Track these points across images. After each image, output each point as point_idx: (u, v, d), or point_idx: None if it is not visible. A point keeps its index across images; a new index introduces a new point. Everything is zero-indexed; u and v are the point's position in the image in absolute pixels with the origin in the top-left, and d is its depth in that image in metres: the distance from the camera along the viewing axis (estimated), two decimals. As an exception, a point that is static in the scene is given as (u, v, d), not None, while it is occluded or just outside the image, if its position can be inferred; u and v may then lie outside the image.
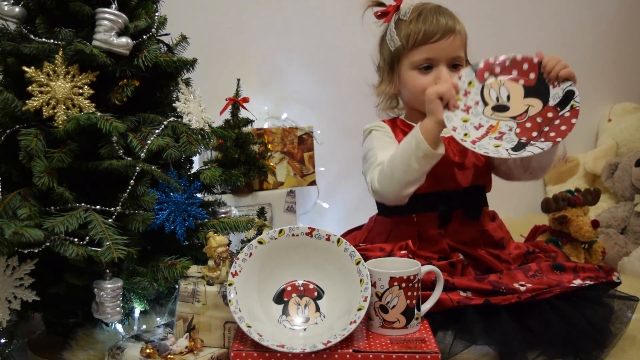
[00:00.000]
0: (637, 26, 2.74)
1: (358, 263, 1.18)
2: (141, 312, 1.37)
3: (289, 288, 1.21)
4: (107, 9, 1.22)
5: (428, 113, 1.35)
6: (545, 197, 2.00)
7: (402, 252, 1.38)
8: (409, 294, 1.17)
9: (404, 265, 1.21)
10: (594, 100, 2.73)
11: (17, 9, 1.23)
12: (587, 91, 2.69)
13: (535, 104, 1.31)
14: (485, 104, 1.34)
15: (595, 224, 1.92)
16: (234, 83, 1.96)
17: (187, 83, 1.45)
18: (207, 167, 1.47)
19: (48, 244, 1.09)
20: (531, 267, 1.37)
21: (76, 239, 1.12)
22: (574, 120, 1.24)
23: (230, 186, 1.96)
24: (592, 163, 2.53)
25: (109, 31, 1.22)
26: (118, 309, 1.19)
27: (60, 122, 1.16)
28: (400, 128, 1.54)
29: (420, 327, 1.19)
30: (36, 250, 1.09)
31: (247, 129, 1.98)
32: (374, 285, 1.17)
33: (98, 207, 1.18)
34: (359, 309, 1.12)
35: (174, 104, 1.35)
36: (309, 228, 1.21)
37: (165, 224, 1.25)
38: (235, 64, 2.30)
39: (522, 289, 1.27)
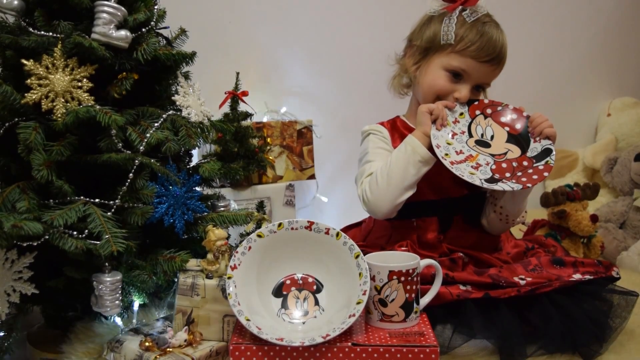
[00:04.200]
0: (636, 21, 2.74)
1: (357, 257, 1.18)
2: (140, 306, 1.37)
3: (288, 281, 1.22)
4: (106, 2, 1.22)
5: (418, 124, 1.41)
6: (545, 191, 2.01)
7: (403, 248, 1.38)
8: (408, 287, 1.17)
9: (403, 259, 1.21)
10: (593, 95, 2.73)
11: (15, 2, 1.23)
12: (586, 86, 2.72)
13: (515, 150, 1.40)
14: (470, 135, 1.41)
15: (594, 218, 1.92)
16: (233, 76, 1.95)
17: (186, 76, 1.45)
18: (206, 160, 1.47)
19: (47, 237, 1.09)
20: (531, 261, 1.37)
21: (75, 232, 1.12)
22: (545, 174, 1.33)
23: (229, 180, 1.96)
24: (591, 157, 2.53)
25: (108, 24, 1.21)
26: (117, 302, 1.19)
27: (59, 115, 1.16)
28: (399, 131, 1.53)
29: (419, 321, 1.20)
30: (35, 244, 1.09)
31: (246, 122, 1.97)
32: (373, 278, 1.17)
33: (97, 200, 1.18)
34: (358, 303, 1.12)
35: (173, 98, 1.35)
36: (308, 222, 1.21)
37: (165, 218, 1.25)
38: (235, 57, 2.30)
39: (522, 282, 1.27)
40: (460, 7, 1.45)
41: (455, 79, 1.45)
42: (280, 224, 1.21)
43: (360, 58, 2.41)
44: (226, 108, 1.94)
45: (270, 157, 2.08)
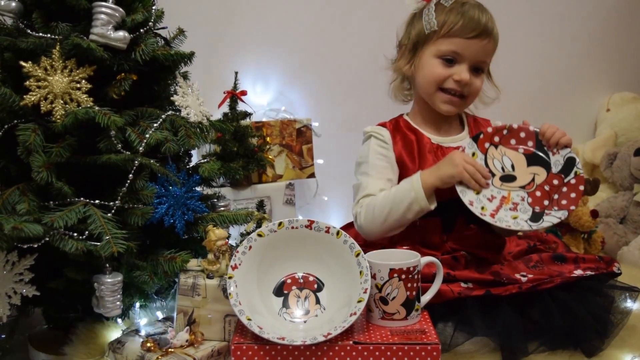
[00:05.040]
0: (635, 15, 2.73)
1: (358, 255, 1.18)
2: (141, 306, 1.37)
3: (289, 280, 1.22)
4: (104, 3, 1.22)
5: (442, 170, 1.37)
6: (545, 187, 2.00)
7: (405, 247, 1.38)
8: (409, 285, 1.17)
9: (404, 257, 1.21)
10: (592, 90, 2.72)
11: (13, 4, 1.23)
12: (585, 81, 2.72)
13: (540, 172, 1.37)
14: (493, 174, 1.38)
15: (594, 213, 1.92)
16: (232, 76, 1.95)
17: (185, 76, 1.45)
18: (205, 160, 1.47)
19: (47, 238, 1.09)
20: (532, 257, 1.37)
21: (75, 234, 1.12)
22: (581, 187, 1.31)
23: (229, 179, 1.96)
24: (590, 153, 2.53)
25: (106, 25, 1.21)
26: (118, 303, 1.19)
27: (58, 116, 1.16)
28: (401, 132, 1.52)
29: (420, 319, 1.20)
30: (35, 245, 1.09)
31: (245, 122, 1.97)
32: (373, 277, 1.17)
33: (97, 201, 1.18)
34: (359, 301, 1.12)
35: (172, 98, 1.35)
36: (308, 220, 1.21)
37: (165, 218, 1.25)
38: (233, 57, 2.29)
39: (524, 279, 1.27)
40: None
41: (450, 63, 1.44)
42: (280, 223, 1.21)
43: (359, 56, 2.40)
44: (225, 107, 1.94)
45: (270, 156, 2.08)
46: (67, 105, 1.17)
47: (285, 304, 1.19)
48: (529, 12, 2.58)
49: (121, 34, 1.22)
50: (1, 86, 1.16)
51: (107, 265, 1.17)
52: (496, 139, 1.41)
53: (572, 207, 1.29)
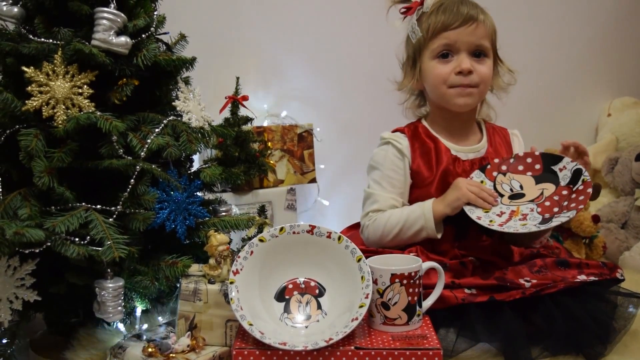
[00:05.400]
0: (636, 20, 2.74)
1: (359, 260, 1.18)
2: (143, 311, 1.37)
3: (291, 286, 1.21)
4: (105, 8, 1.22)
5: (448, 196, 1.39)
6: (546, 192, 2.00)
7: (412, 254, 1.37)
8: (411, 290, 1.17)
9: (405, 262, 1.21)
10: (593, 94, 2.73)
11: (15, 9, 1.23)
12: (586, 86, 2.72)
13: (549, 187, 1.37)
14: (501, 195, 1.38)
15: (595, 218, 1.92)
16: (234, 81, 1.96)
17: (187, 82, 1.45)
18: (207, 165, 1.47)
19: (49, 243, 1.09)
20: (536, 262, 1.37)
21: (77, 239, 1.12)
22: (589, 190, 1.31)
23: (230, 184, 1.96)
24: (592, 158, 2.52)
25: (108, 30, 1.22)
26: (119, 308, 1.19)
27: (60, 121, 1.16)
28: (420, 139, 1.51)
29: (422, 324, 1.19)
30: (37, 250, 1.09)
31: (246, 127, 1.98)
32: (375, 282, 1.17)
33: (99, 206, 1.18)
34: (361, 306, 1.12)
35: (173, 103, 1.35)
36: (309, 225, 1.21)
37: (166, 223, 1.26)
38: (235, 62, 2.30)
39: (527, 284, 1.27)
40: (416, 8, 1.50)
41: (447, 58, 1.45)
42: (282, 228, 1.21)
43: (360, 62, 2.41)
44: (227, 113, 1.94)
45: (271, 161, 2.08)
46: (68, 111, 1.17)
47: (286, 309, 1.19)
48: (529, 17, 2.58)
49: (123, 39, 1.23)
50: (3, 91, 1.16)
51: (109, 270, 1.17)
52: (503, 167, 1.43)
53: (581, 206, 1.29)
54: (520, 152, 1.50)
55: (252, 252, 1.19)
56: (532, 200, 1.36)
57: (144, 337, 1.23)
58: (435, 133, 1.52)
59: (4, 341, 1.28)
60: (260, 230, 1.48)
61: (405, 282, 1.16)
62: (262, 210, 1.62)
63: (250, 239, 1.32)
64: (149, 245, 1.29)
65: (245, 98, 1.97)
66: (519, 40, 2.48)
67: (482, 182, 1.42)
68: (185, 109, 1.34)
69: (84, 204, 1.17)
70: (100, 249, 1.11)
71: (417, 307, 1.18)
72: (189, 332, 1.19)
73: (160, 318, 1.37)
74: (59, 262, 1.15)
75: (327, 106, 2.41)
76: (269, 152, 2.08)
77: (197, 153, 1.36)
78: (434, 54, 1.46)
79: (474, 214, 1.34)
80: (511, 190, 1.38)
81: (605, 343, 1.20)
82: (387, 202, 1.47)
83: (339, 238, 1.20)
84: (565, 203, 1.32)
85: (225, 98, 1.95)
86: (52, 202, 1.16)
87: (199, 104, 1.40)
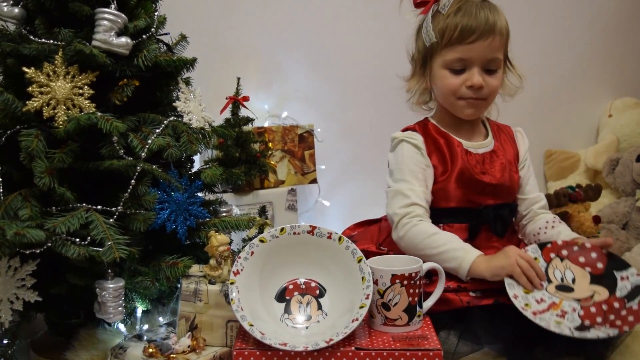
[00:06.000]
0: (636, 21, 2.73)
1: (359, 261, 1.18)
2: (143, 312, 1.37)
3: (291, 286, 1.21)
4: (106, 9, 1.22)
5: (493, 261, 1.29)
6: (547, 193, 2.01)
7: None
8: (411, 291, 1.17)
9: (406, 263, 1.21)
10: (594, 95, 2.72)
11: (16, 10, 1.24)
12: (587, 86, 2.72)
13: (602, 292, 1.25)
14: (549, 281, 1.28)
15: (596, 219, 1.92)
16: (234, 82, 1.96)
17: (187, 82, 1.45)
18: (207, 166, 1.47)
19: (49, 244, 1.09)
20: None
21: (78, 239, 1.12)
22: None
23: (231, 185, 1.96)
24: (592, 159, 2.53)
25: (109, 31, 1.22)
26: (120, 308, 1.19)
27: (60, 122, 1.16)
28: (431, 137, 1.48)
29: (422, 325, 1.19)
30: (38, 251, 1.09)
31: (247, 127, 1.98)
32: (375, 282, 1.17)
33: (99, 207, 1.18)
34: (361, 307, 1.12)
35: (174, 104, 1.35)
36: (310, 226, 1.21)
37: (167, 224, 1.26)
38: (235, 62, 2.30)
39: None
40: (432, 4, 1.44)
41: (459, 71, 1.41)
42: (282, 229, 1.21)
43: (361, 62, 2.41)
44: (227, 113, 1.94)
45: (272, 162, 2.08)
46: (69, 111, 1.17)
47: (287, 310, 1.19)
48: (531, 17, 2.58)
49: (123, 40, 1.23)
50: (4, 92, 1.16)
51: (109, 270, 1.17)
52: (564, 252, 1.33)
53: (626, 328, 1.15)
54: (530, 166, 1.49)
55: (252, 252, 1.19)
56: (578, 300, 1.24)
57: (145, 338, 1.23)
58: (444, 129, 1.50)
59: (5, 342, 1.28)
60: (260, 231, 1.48)
61: (405, 282, 1.16)
62: (262, 211, 1.62)
63: (250, 239, 1.32)
64: (149, 245, 1.29)
65: (246, 99, 1.97)
66: (521, 41, 2.47)
67: (535, 258, 1.32)
68: (185, 110, 1.34)
69: (84, 204, 1.17)
70: (100, 249, 1.11)
71: (418, 308, 1.18)
72: (189, 333, 1.19)
73: (160, 319, 1.37)
74: (59, 262, 1.15)
75: (328, 107, 2.41)
76: (270, 152, 2.08)
77: (198, 154, 1.36)
78: (445, 64, 1.42)
79: (512, 290, 1.23)
80: (562, 280, 1.28)
81: (608, 344, 1.20)
82: (418, 195, 1.41)
83: (340, 239, 1.20)
84: (612, 317, 1.19)
85: (226, 99, 1.95)
86: (53, 203, 1.16)
87: (200, 105, 1.40)
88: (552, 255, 1.33)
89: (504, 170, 1.46)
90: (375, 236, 1.59)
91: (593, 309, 1.21)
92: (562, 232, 1.44)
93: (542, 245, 1.34)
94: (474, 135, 1.52)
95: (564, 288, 1.26)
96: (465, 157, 1.44)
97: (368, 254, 1.48)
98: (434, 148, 1.46)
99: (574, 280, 1.27)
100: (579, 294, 1.25)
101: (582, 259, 1.31)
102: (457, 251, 1.32)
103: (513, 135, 1.57)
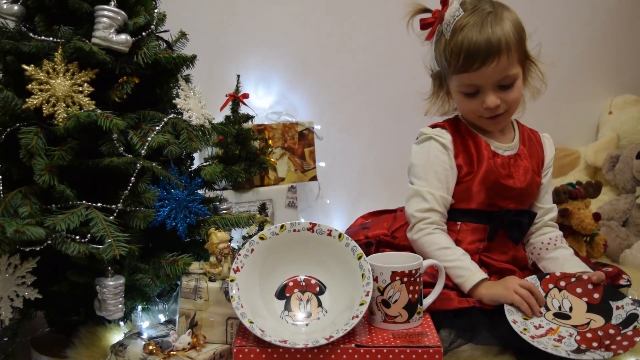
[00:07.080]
0: (637, 18, 2.73)
1: (359, 258, 1.18)
2: (143, 309, 1.37)
3: (291, 283, 1.22)
4: (106, 6, 1.22)
5: (493, 289, 1.31)
6: (547, 190, 2.00)
7: None
8: (411, 288, 1.17)
9: (406, 260, 1.21)
10: (594, 92, 2.72)
11: (16, 7, 1.23)
12: (587, 83, 2.72)
13: (598, 320, 1.28)
14: (547, 309, 1.31)
15: (596, 216, 1.92)
16: (234, 79, 1.96)
17: (187, 80, 1.45)
18: (207, 163, 1.47)
19: (49, 242, 1.09)
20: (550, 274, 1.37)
21: (78, 237, 1.12)
22: (637, 339, 1.20)
23: (231, 182, 1.96)
24: (593, 155, 2.53)
25: (108, 28, 1.22)
26: (120, 306, 1.19)
27: (60, 120, 1.16)
28: (461, 134, 1.47)
29: (422, 322, 1.20)
30: (38, 249, 1.09)
31: (247, 125, 1.98)
32: (375, 279, 1.17)
33: (99, 204, 1.18)
34: (361, 304, 1.12)
35: (174, 101, 1.35)
36: (310, 223, 1.21)
37: (167, 221, 1.26)
38: (235, 60, 2.30)
39: None
40: (437, 26, 1.41)
41: (473, 95, 1.40)
42: (282, 226, 1.21)
43: (361, 59, 2.41)
44: (227, 111, 1.94)
45: (272, 159, 2.08)
46: (69, 109, 1.17)
47: (287, 307, 1.19)
48: (530, 15, 2.57)
49: (123, 37, 1.23)
50: (3, 89, 1.16)
51: (109, 268, 1.17)
52: (562, 283, 1.35)
53: (621, 352, 1.18)
54: (550, 175, 1.50)
55: (252, 250, 1.19)
56: (575, 326, 1.27)
57: (145, 335, 1.23)
58: (472, 128, 1.48)
59: (5, 339, 1.28)
60: (260, 228, 1.48)
61: (405, 279, 1.16)
62: (262, 208, 1.61)
63: (250, 236, 1.32)
64: (149, 243, 1.29)
65: (245, 96, 1.97)
66: (520, 38, 2.47)
67: None
68: (185, 107, 1.34)
69: (84, 202, 1.17)
70: (101, 247, 1.11)
71: (418, 305, 1.18)
72: (189, 330, 1.19)
73: (161, 316, 1.37)
74: (59, 260, 1.15)
75: (328, 104, 2.41)
76: (270, 150, 2.08)
77: (198, 151, 1.36)
78: (459, 89, 1.41)
79: (511, 315, 1.26)
80: (559, 308, 1.31)
81: None
82: (437, 199, 1.41)
83: (340, 236, 1.20)
84: (607, 342, 1.21)
85: (226, 96, 1.95)
86: (53, 200, 1.16)
87: (200, 102, 1.40)
88: (551, 286, 1.35)
89: (527, 174, 1.45)
90: (389, 223, 1.59)
91: (589, 335, 1.24)
92: (560, 258, 1.45)
93: (540, 277, 1.36)
94: (502, 135, 1.50)
95: (561, 316, 1.29)
96: (492, 159, 1.43)
97: (380, 241, 1.49)
98: (462, 148, 1.45)
99: (571, 309, 1.30)
100: (575, 321, 1.28)
101: (579, 290, 1.33)
102: (463, 270, 1.33)
103: (540, 140, 1.56)
